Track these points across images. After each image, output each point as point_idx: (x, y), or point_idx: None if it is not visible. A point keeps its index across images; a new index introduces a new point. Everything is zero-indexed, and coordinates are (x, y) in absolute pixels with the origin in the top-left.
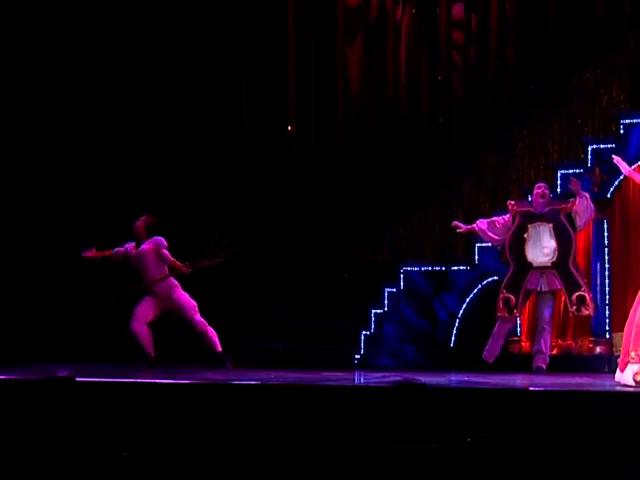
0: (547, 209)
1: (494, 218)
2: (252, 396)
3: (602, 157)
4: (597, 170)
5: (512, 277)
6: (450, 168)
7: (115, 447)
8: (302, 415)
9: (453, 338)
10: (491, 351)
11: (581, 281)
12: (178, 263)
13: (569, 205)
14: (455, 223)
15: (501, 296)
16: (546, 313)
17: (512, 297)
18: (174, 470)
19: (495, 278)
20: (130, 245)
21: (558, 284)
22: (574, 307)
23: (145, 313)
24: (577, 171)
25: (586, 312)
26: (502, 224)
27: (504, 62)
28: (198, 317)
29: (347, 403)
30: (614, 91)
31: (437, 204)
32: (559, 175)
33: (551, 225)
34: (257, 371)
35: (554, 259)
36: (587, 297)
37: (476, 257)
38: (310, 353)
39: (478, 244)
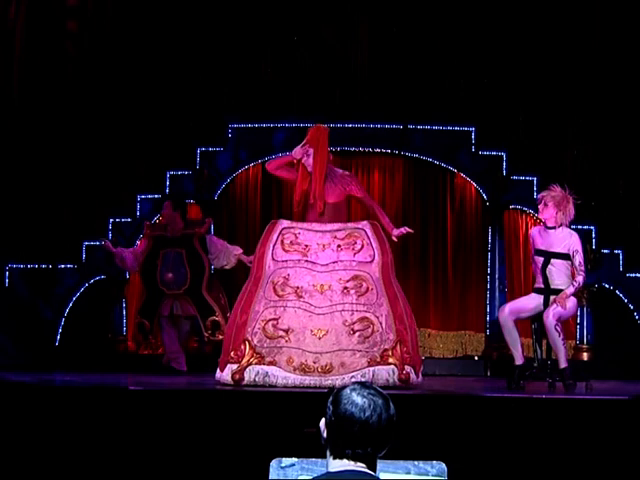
0: (180, 234)
1: (135, 249)
2: None
3: (210, 160)
4: (205, 172)
5: (146, 303)
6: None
7: None
8: None
9: (58, 337)
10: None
11: (214, 306)
12: None
13: (202, 229)
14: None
15: (136, 321)
16: (183, 332)
17: (146, 322)
18: None
19: (102, 277)
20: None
21: (192, 310)
22: (209, 332)
23: None
24: (186, 172)
25: (220, 337)
26: (141, 251)
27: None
28: None
29: None
30: (222, 95)
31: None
32: (168, 176)
33: (184, 251)
34: None
35: (186, 286)
36: (221, 322)
37: (83, 255)
38: None
39: (86, 242)
